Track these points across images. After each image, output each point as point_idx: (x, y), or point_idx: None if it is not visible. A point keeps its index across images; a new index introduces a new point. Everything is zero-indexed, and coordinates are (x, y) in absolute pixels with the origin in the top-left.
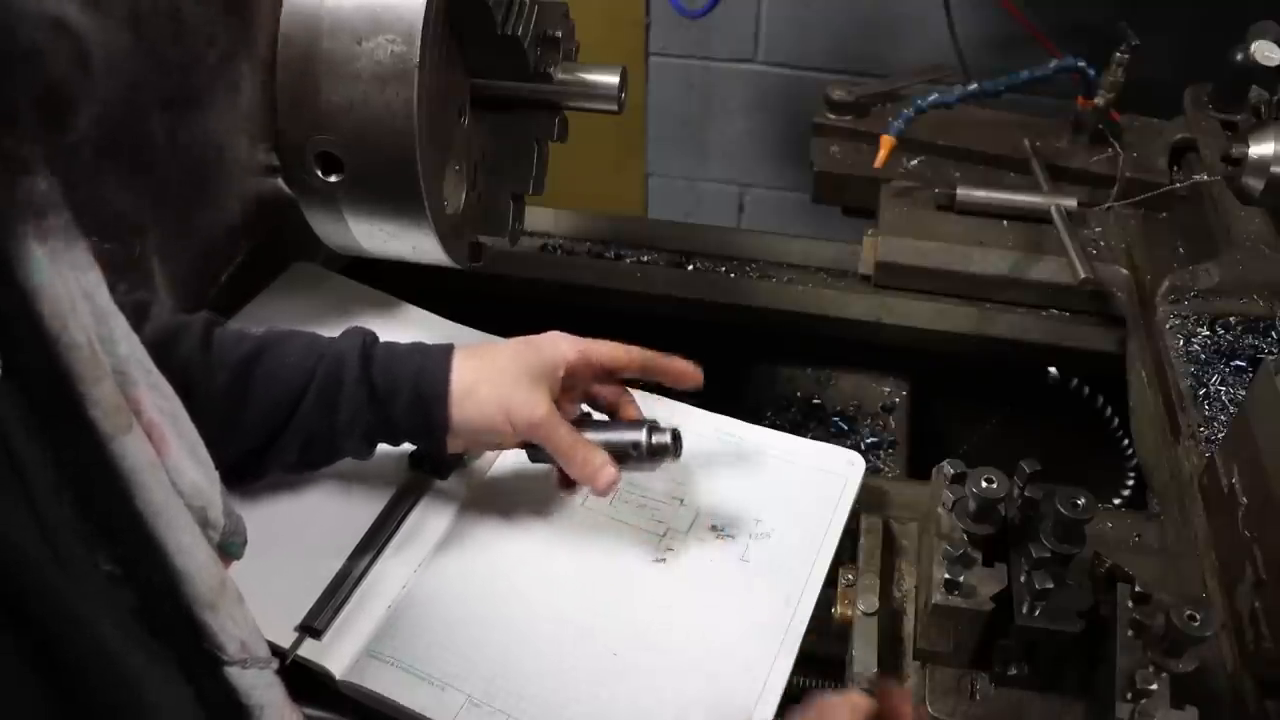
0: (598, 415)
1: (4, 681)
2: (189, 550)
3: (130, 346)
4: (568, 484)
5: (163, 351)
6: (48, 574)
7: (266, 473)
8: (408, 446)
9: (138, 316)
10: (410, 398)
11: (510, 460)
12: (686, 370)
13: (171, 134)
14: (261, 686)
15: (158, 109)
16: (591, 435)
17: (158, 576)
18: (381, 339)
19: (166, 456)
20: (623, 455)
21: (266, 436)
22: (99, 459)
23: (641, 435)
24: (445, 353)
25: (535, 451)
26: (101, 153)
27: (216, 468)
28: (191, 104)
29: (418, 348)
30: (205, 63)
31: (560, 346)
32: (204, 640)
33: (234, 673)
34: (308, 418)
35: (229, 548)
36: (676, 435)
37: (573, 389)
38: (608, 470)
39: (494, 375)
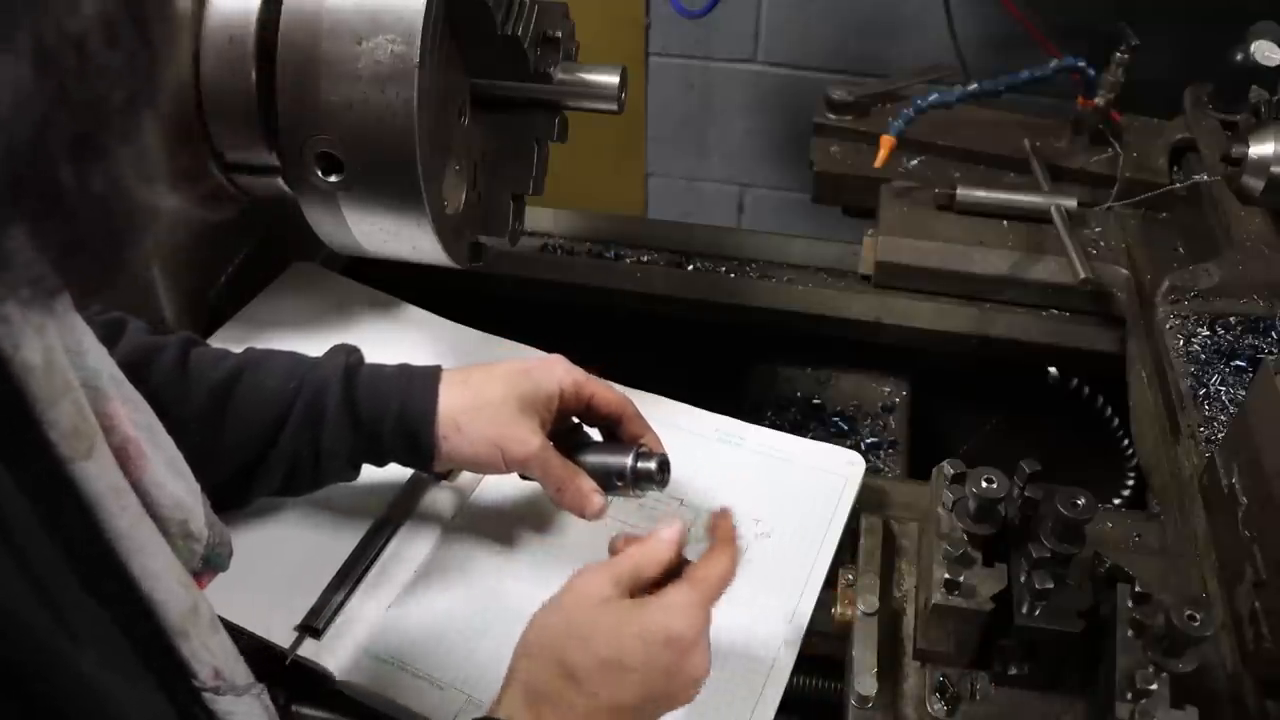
0: (591, 431)
1: None
2: (157, 576)
3: (99, 359)
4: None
5: (136, 372)
6: (24, 609)
7: (250, 499)
8: None
9: (110, 336)
10: (395, 427)
11: None
12: (655, 445)
13: (80, 179)
14: (239, 713)
15: (65, 153)
16: (579, 458)
17: (128, 603)
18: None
19: (144, 471)
20: (607, 482)
21: (248, 462)
22: (60, 483)
23: (627, 462)
24: (432, 379)
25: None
26: (6, 198)
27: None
28: (98, 148)
29: (403, 371)
30: (110, 105)
31: (556, 374)
32: (178, 666)
33: (209, 698)
34: (290, 444)
35: (214, 559)
36: (664, 464)
37: (558, 417)
38: (594, 499)
39: (484, 408)
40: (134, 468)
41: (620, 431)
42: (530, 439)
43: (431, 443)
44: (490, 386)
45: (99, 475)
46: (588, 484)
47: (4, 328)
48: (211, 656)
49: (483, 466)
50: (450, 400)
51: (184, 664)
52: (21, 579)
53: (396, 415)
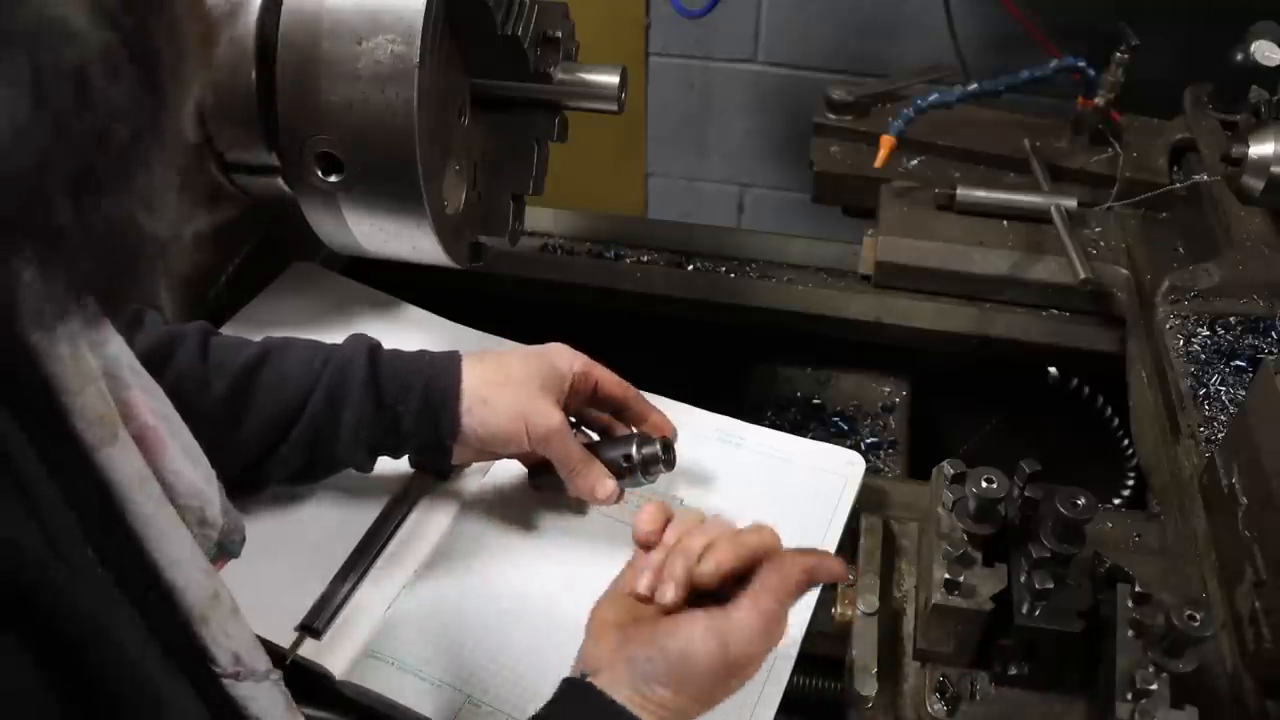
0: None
1: (25, 691)
2: (180, 564)
3: (119, 348)
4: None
5: (157, 362)
6: (62, 579)
7: (268, 482)
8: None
9: (130, 327)
10: (419, 402)
11: (508, 463)
12: (662, 424)
13: (80, 212)
14: (259, 698)
15: (64, 185)
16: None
17: (150, 589)
18: (382, 339)
19: (162, 459)
20: (616, 470)
21: (271, 442)
22: (86, 470)
23: (631, 448)
24: (454, 359)
25: (540, 478)
26: (5, 231)
27: (219, 478)
28: (98, 182)
29: (425, 353)
30: (114, 140)
31: (566, 357)
32: (198, 652)
33: (229, 684)
34: (313, 421)
35: (228, 546)
36: (667, 446)
37: (569, 401)
38: (607, 482)
39: (509, 383)
40: (152, 455)
41: (626, 415)
42: (553, 413)
43: (455, 416)
44: (512, 364)
45: (124, 462)
46: (600, 467)
47: (33, 317)
48: (231, 642)
49: (502, 444)
50: (474, 376)
51: (204, 650)
52: (58, 557)
53: (421, 390)
